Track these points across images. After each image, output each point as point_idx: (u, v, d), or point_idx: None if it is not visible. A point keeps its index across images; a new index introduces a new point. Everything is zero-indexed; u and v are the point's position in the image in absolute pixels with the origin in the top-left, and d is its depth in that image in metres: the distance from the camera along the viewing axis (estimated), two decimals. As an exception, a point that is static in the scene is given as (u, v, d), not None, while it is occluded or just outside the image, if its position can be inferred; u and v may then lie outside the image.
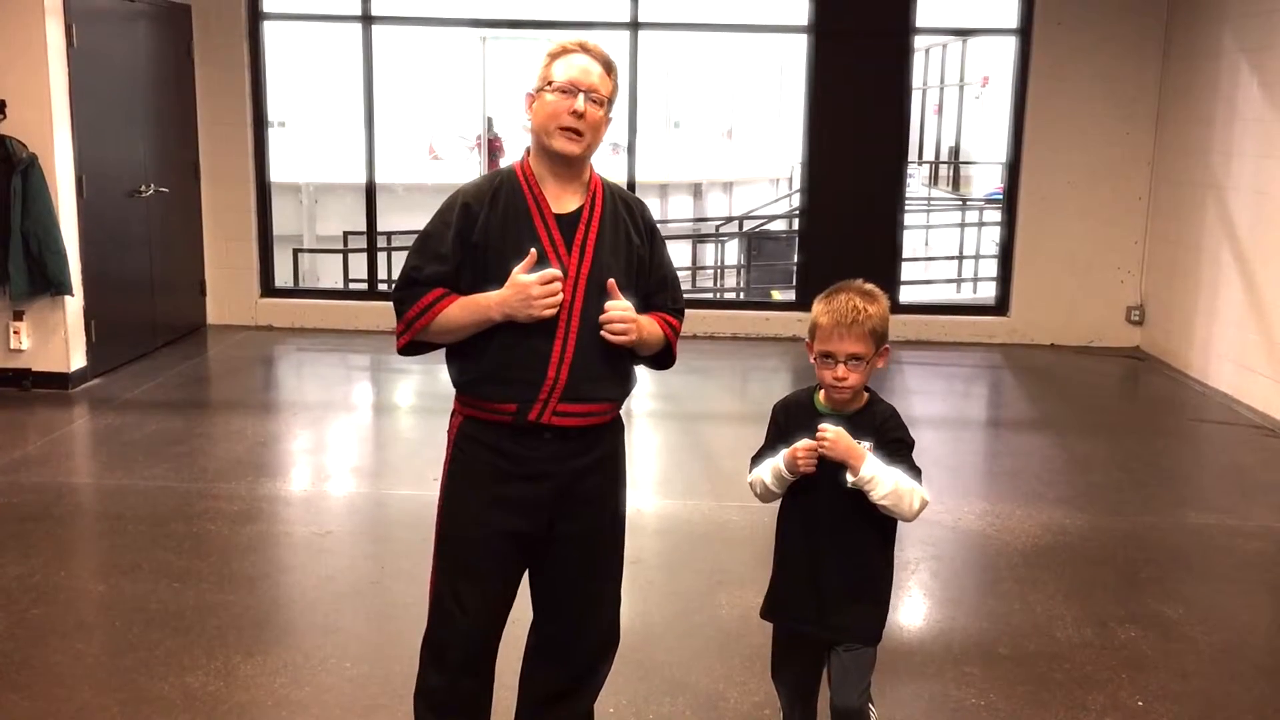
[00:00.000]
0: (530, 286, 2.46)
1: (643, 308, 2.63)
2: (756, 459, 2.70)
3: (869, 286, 2.62)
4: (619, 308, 2.52)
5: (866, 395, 2.64)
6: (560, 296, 2.49)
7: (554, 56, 2.56)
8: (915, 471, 2.57)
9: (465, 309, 2.53)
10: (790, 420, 2.65)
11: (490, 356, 2.53)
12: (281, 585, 4.32)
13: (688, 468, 5.80)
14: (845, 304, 2.55)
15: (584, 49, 2.57)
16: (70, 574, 4.30)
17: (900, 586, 4.29)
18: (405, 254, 2.63)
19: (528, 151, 2.64)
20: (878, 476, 2.48)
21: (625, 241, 2.62)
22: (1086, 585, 4.36)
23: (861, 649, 2.64)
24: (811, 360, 2.62)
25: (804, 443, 2.52)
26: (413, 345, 2.62)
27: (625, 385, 2.66)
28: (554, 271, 2.49)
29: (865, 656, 2.64)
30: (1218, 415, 6.88)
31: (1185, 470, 6.09)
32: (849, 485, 2.51)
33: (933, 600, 4.28)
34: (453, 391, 2.68)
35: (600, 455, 2.64)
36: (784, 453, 2.56)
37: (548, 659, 2.77)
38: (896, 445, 2.57)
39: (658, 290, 2.69)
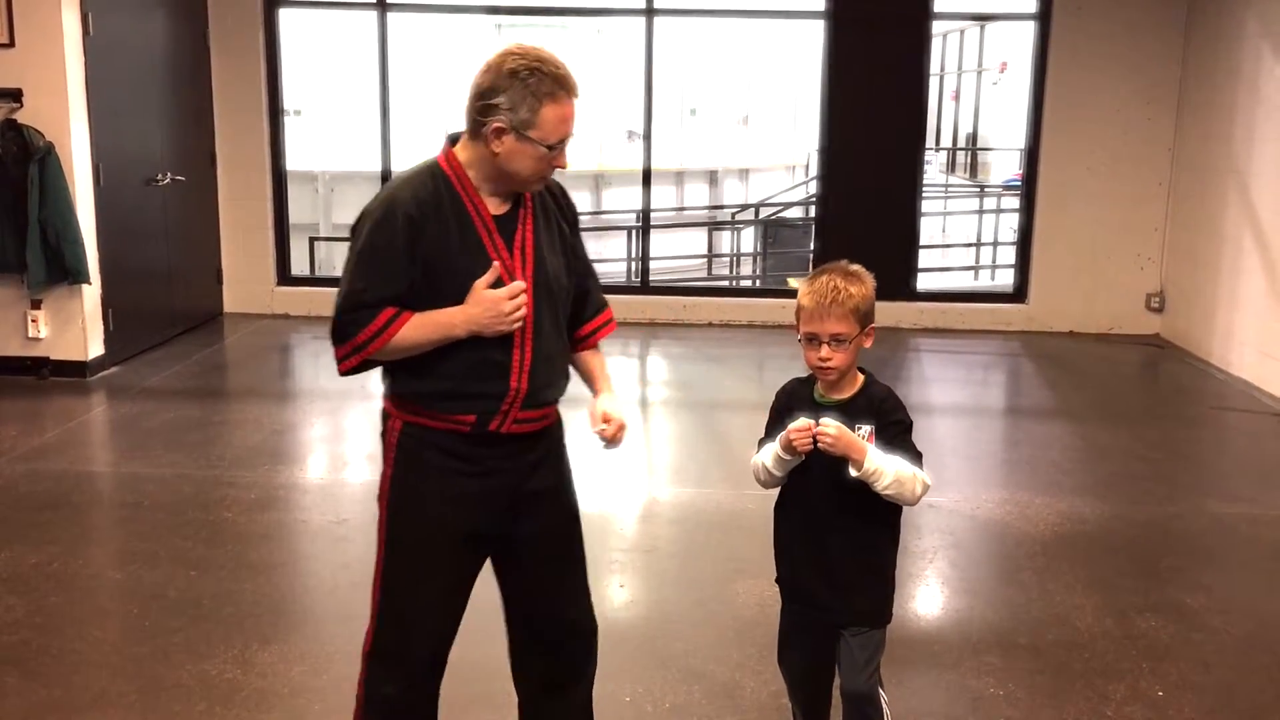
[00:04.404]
0: (501, 302, 2.38)
1: (578, 298, 2.62)
2: (760, 444, 2.69)
3: (854, 267, 2.60)
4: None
5: (862, 377, 2.62)
6: (525, 309, 2.43)
7: (539, 98, 2.34)
8: (915, 454, 2.55)
9: (425, 328, 2.40)
10: (788, 404, 2.65)
11: (447, 371, 2.43)
12: (298, 573, 4.32)
13: (703, 456, 5.78)
14: (826, 285, 2.53)
15: (569, 91, 2.37)
16: (88, 561, 4.31)
17: (918, 575, 4.28)
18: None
19: (451, 141, 2.50)
20: (881, 468, 2.47)
21: (558, 234, 2.56)
22: (1106, 575, 4.32)
23: (869, 631, 2.63)
24: (799, 343, 2.60)
25: (799, 422, 2.50)
26: (360, 366, 2.46)
27: (568, 383, 2.63)
28: (520, 284, 2.42)
29: (873, 639, 2.64)
30: (1239, 403, 6.82)
31: (1206, 459, 6.05)
32: (852, 478, 2.49)
33: (951, 589, 4.25)
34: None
35: (547, 450, 2.59)
36: (780, 436, 2.55)
37: (537, 654, 2.71)
38: (896, 428, 2.55)
39: (584, 274, 2.64)
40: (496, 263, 2.41)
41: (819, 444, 2.48)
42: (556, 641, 2.70)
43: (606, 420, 2.60)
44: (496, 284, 2.40)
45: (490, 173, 2.43)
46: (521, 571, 2.63)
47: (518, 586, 2.65)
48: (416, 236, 2.39)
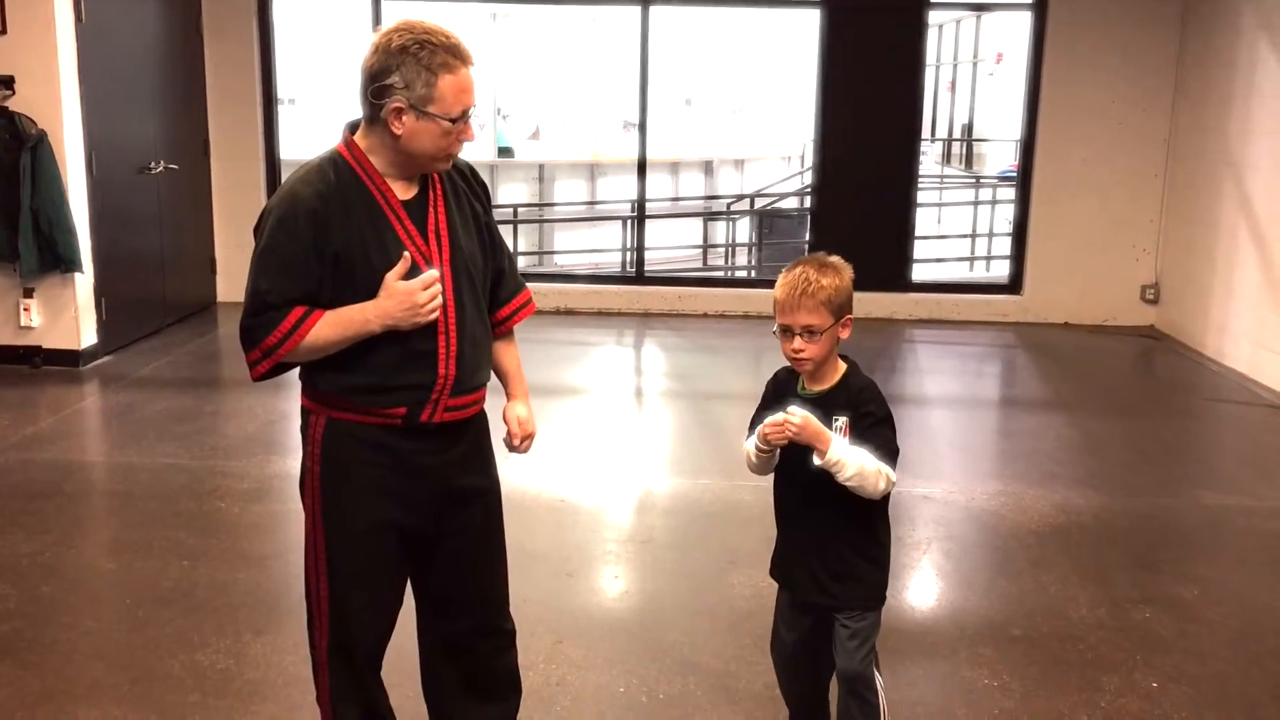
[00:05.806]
0: (415, 293, 2.31)
1: (494, 280, 2.57)
2: (750, 429, 2.70)
3: (831, 259, 2.59)
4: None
5: (844, 368, 2.62)
6: (440, 298, 2.36)
7: (435, 71, 2.26)
8: (887, 448, 2.54)
9: (338, 326, 2.34)
10: (775, 393, 2.67)
11: (372, 365, 2.37)
12: (292, 563, 4.30)
13: (699, 447, 5.77)
14: (799, 276, 2.54)
15: (464, 60, 2.29)
16: (81, 551, 4.30)
17: (912, 566, 4.28)
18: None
19: (351, 129, 2.41)
20: (844, 459, 2.47)
21: (471, 213, 2.50)
22: (1100, 566, 4.33)
23: (861, 614, 2.64)
24: (773, 334, 2.60)
25: (773, 418, 2.52)
26: (274, 370, 2.43)
27: (491, 364, 2.60)
28: (433, 273, 2.35)
29: (866, 619, 2.65)
30: (1234, 395, 6.83)
31: (1201, 450, 6.05)
32: (815, 467, 2.49)
33: (945, 580, 4.25)
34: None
35: (473, 444, 2.55)
36: (758, 428, 2.57)
37: (450, 659, 2.66)
38: (868, 420, 2.54)
39: (500, 254, 2.57)
40: (407, 253, 2.33)
41: (784, 432, 2.49)
42: (469, 646, 2.65)
43: (520, 425, 2.63)
44: (410, 274, 2.33)
45: (394, 157, 2.36)
46: (441, 570, 2.58)
47: (435, 586, 2.61)
48: (322, 232, 2.31)
